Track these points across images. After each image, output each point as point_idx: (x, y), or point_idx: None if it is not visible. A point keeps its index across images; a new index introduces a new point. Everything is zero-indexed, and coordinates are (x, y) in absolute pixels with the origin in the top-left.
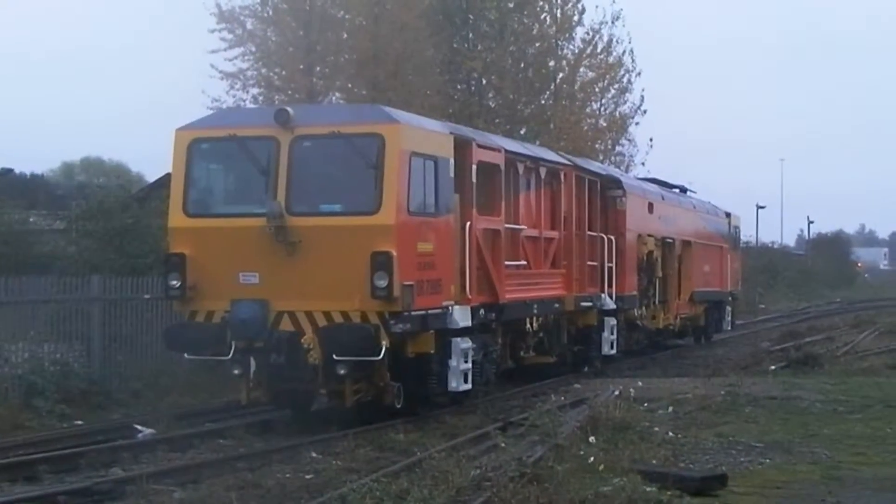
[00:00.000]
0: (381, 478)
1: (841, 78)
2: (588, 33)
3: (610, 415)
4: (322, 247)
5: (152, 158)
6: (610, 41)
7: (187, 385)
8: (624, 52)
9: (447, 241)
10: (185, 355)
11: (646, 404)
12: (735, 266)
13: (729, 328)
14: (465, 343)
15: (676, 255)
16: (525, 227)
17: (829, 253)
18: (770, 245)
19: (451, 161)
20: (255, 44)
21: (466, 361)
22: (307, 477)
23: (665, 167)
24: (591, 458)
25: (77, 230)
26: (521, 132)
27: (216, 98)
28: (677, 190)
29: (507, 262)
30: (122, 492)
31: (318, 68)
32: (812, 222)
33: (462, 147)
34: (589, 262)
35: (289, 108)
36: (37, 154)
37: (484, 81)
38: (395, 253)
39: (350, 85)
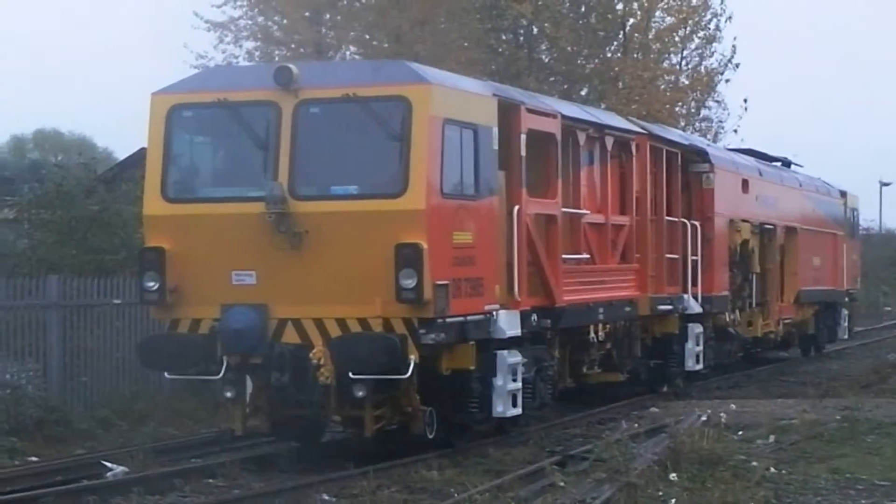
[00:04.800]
0: None
1: None
2: None
3: (695, 446)
4: (334, 238)
5: (123, 130)
6: None
7: (168, 412)
8: None
9: (490, 230)
10: (166, 374)
11: (740, 432)
12: (853, 258)
13: (845, 336)
14: (514, 357)
15: (778, 245)
16: (587, 211)
17: None
18: None
19: (495, 130)
20: None
21: (515, 380)
22: None
23: (763, 135)
24: (673, 501)
25: (30, 220)
26: (582, 93)
27: (202, 54)
28: (779, 163)
29: (565, 256)
30: None
31: (327, 16)
32: None
33: (508, 112)
34: (668, 255)
35: (292, 67)
36: None
37: (535, 30)
38: (425, 245)
39: (367, 36)
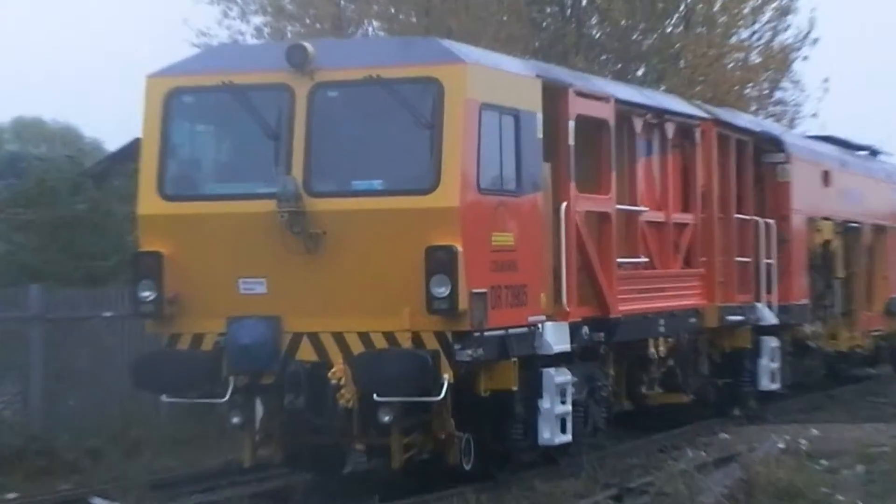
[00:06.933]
0: None
1: None
2: None
3: (772, 477)
4: (356, 240)
5: (114, 119)
6: None
7: (166, 440)
8: None
9: (534, 231)
10: (164, 397)
11: (824, 462)
12: None
13: None
14: (563, 376)
15: (865, 246)
16: (646, 208)
17: None
18: None
19: (539, 116)
20: None
21: (564, 402)
22: None
23: (848, 120)
24: None
25: (8, 221)
26: (639, 73)
27: (204, 31)
28: (864, 152)
29: (620, 260)
30: None
31: None
32: None
33: (554, 96)
34: (738, 259)
35: (307, 45)
36: None
37: (584, 1)
38: (460, 248)
39: (393, 10)
